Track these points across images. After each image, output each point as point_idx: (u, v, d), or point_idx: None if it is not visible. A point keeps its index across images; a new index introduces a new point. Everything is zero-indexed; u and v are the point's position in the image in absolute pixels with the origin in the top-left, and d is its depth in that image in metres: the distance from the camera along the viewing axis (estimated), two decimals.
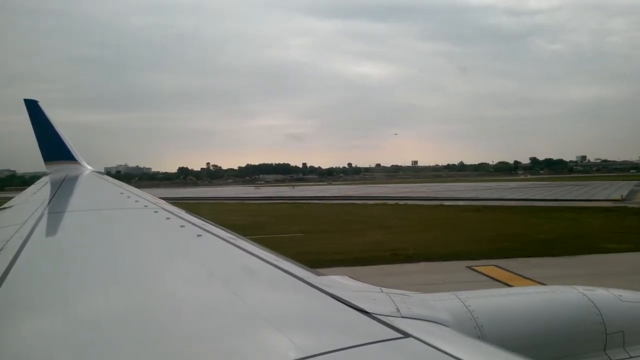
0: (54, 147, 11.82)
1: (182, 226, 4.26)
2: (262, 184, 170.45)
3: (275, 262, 2.90)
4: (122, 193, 7.34)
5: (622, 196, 49.41)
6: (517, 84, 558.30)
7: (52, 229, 4.62)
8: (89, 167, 12.09)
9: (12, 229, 4.18)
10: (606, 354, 2.75)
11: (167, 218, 4.75)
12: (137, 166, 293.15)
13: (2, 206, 7.04)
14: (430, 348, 1.64)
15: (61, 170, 11.13)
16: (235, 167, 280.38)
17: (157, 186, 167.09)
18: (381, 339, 1.71)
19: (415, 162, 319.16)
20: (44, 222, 4.72)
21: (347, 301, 2.10)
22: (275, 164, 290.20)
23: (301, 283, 2.45)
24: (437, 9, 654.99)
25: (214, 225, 4.35)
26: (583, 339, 2.76)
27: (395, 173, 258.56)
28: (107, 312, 2.09)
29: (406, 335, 1.75)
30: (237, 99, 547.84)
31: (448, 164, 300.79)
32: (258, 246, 3.47)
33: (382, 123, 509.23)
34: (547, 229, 31.14)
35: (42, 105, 11.63)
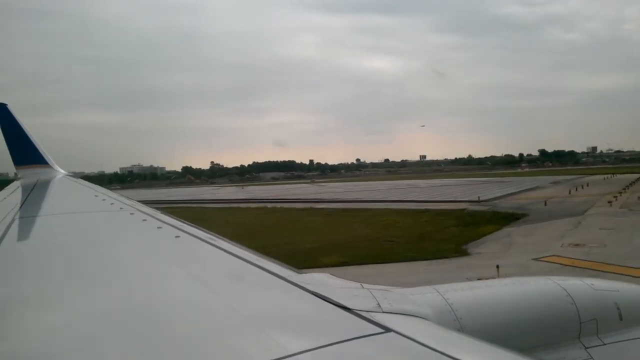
0: (24, 151, 11.63)
1: (159, 227, 4.24)
2: (217, 186, 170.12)
3: (256, 262, 2.90)
4: (96, 196, 7.23)
5: (479, 198, 47.63)
6: (531, 74, 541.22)
7: (24, 235, 4.49)
8: (62, 171, 12.01)
9: None
10: (580, 341, 2.81)
11: (144, 220, 4.70)
12: (151, 165, 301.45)
13: None
14: (411, 342, 1.68)
15: (33, 174, 11.03)
16: (243, 165, 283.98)
17: (151, 186, 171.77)
18: (363, 335, 1.72)
19: (424, 156, 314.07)
20: (15, 228, 4.61)
21: (328, 298, 2.12)
22: (280, 161, 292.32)
23: (282, 281, 2.46)
24: (447, 0, 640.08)
25: (192, 226, 4.32)
26: (558, 328, 2.81)
27: (391, 168, 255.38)
28: (85, 317, 2.07)
29: (387, 330, 1.77)
30: (248, 96, 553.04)
31: (456, 158, 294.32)
32: (238, 246, 3.47)
33: (393, 117, 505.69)
34: (324, 239, 31.15)
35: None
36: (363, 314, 1.94)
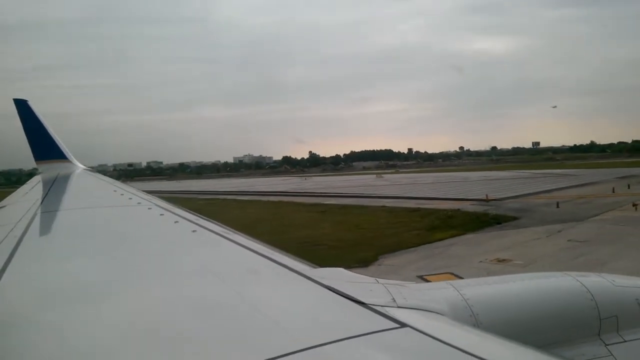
0: (45, 146, 11.79)
1: (176, 222, 4.28)
2: (289, 176, 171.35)
3: (271, 256, 2.92)
4: (115, 190, 7.45)
5: (486, 196, 41.56)
6: None
7: (45, 228, 4.59)
8: (81, 165, 12.33)
9: (5, 229, 4.14)
10: (600, 338, 2.75)
11: (161, 214, 4.74)
12: (260, 155, 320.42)
13: None
14: (427, 337, 1.66)
15: (53, 169, 11.24)
16: (339, 155, 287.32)
17: (249, 175, 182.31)
18: (378, 329, 1.71)
19: (537, 143, 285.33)
20: (37, 222, 4.68)
21: (343, 293, 2.12)
22: (377, 150, 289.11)
23: (297, 276, 2.46)
24: None
25: (208, 221, 4.35)
26: (577, 324, 2.76)
27: (493, 157, 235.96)
28: (106, 309, 2.09)
29: (402, 325, 1.76)
30: (353, 87, 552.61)
31: (575, 145, 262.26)
32: (253, 240, 3.51)
33: (504, 101, 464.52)
34: (269, 240, 29.87)
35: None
36: (378, 308, 1.93)
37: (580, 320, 2.75)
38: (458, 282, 2.83)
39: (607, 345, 2.72)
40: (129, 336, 1.76)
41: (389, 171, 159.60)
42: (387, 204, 43.67)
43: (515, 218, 32.41)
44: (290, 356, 1.46)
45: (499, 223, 31.06)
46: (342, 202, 48.62)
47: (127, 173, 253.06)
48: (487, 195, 40.79)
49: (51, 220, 4.90)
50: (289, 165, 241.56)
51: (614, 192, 42.75)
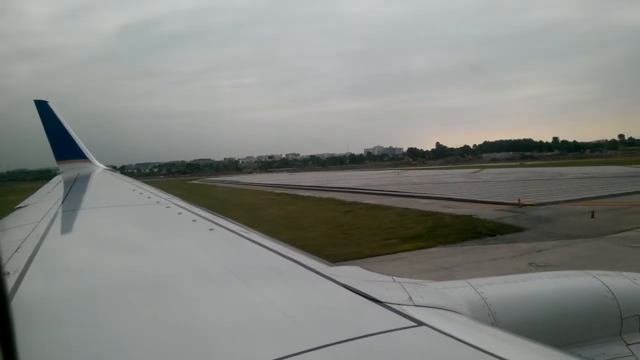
0: (65, 147, 12.22)
1: (194, 220, 4.42)
2: (386, 170, 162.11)
3: (288, 254, 3.00)
4: (134, 190, 7.81)
5: (519, 200, 34.46)
6: None
7: (67, 227, 4.74)
8: (101, 165, 12.90)
9: (28, 228, 4.32)
10: (622, 338, 2.72)
11: (179, 213, 4.96)
12: (390, 147, 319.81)
13: (18, 205, 7.33)
14: (444, 336, 1.67)
15: (73, 168, 11.65)
16: (468, 145, 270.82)
17: (369, 167, 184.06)
18: (395, 328, 1.72)
19: None
20: (58, 220, 4.88)
21: (360, 291, 2.14)
22: (514, 139, 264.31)
23: (314, 274, 2.50)
24: None
25: (225, 219, 4.56)
26: (598, 323, 2.73)
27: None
28: (126, 307, 2.12)
29: (420, 323, 1.77)
30: (495, 70, 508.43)
31: None
32: (269, 238, 3.63)
33: None
34: None
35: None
36: (395, 307, 1.98)
37: (601, 319, 2.72)
38: (476, 281, 2.82)
39: (629, 345, 2.69)
40: (150, 333, 1.80)
41: (514, 164, 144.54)
42: (412, 206, 40.33)
43: (519, 230, 27.22)
44: (307, 354, 1.49)
45: (492, 235, 26.47)
46: (379, 202, 46.24)
47: (266, 165, 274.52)
48: (519, 200, 34.85)
49: (72, 219, 5.06)
50: (411, 157, 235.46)
51: None
